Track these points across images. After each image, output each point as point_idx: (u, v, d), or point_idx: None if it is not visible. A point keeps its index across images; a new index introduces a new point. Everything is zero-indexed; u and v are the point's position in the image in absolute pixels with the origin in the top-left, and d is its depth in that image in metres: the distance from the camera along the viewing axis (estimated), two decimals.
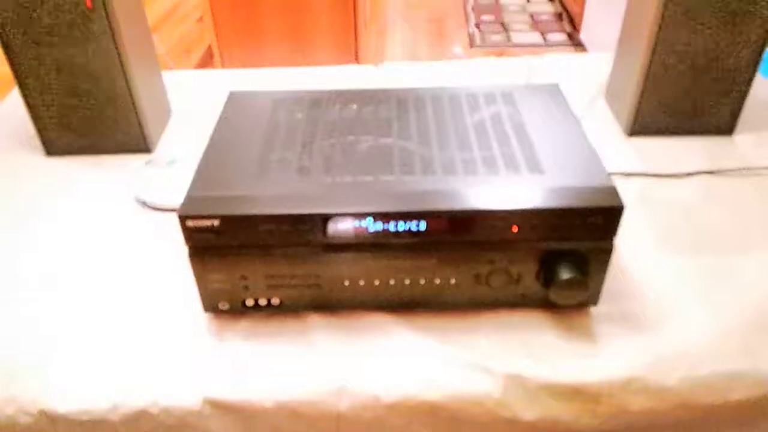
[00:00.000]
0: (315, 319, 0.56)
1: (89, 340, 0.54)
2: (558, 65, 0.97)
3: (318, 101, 0.64)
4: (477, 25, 2.78)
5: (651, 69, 0.75)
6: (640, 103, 0.78)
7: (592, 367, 0.52)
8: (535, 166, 0.53)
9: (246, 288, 0.53)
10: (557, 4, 2.97)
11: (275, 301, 0.55)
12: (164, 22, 2.66)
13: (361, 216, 0.50)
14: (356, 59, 2.25)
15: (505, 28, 2.75)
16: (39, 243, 0.65)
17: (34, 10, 0.66)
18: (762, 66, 0.76)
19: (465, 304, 0.55)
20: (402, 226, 0.50)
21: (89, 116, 0.74)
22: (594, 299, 0.54)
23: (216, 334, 0.55)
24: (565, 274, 0.50)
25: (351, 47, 2.21)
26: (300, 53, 2.21)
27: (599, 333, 0.54)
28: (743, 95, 0.77)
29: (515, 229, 0.50)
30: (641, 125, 0.80)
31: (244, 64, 2.21)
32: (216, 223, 0.49)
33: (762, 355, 0.52)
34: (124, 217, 0.68)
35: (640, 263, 0.61)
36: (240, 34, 2.17)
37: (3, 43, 0.68)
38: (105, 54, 0.70)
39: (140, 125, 0.75)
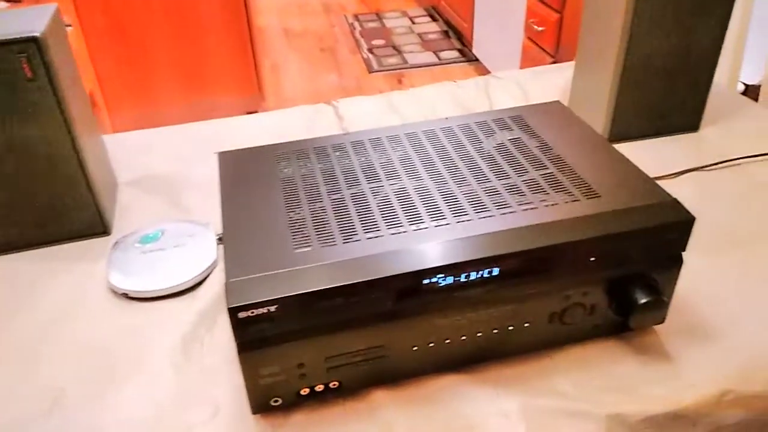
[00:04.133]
0: (380, 396, 0.49)
1: None
2: (514, 81, 0.97)
3: (322, 150, 0.58)
4: (370, 50, 2.79)
5: (624, 76, 0.76)
6: (615, 110, 0.79)
7: (682, 389, 0.49)
8: (587, 190, 0.51)
9: (303, 376, 0.46)
10: (441, 23, 3.06)
11: (334, 384, 0.47)
12: None
13: (431, 272, 0.44)
14: (261, 94, 2.17)
15: (397, 50, 2.79)
16: (10, 361, 0.52)
17: None
18: None
19: (537, 346, 0.51)
20: (474, 275, 0.45)
21: (34, 204, 0.62)
22: (663, 317, 0.52)
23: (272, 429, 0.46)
24: (644, 298, 0.48)
25: (253, 82, 2.13)
26: (195, 90, 2.08)
27: (674, 352, 0.52)
28: (706, 92, 0.80)
29: (593, 259, 0.47)
30: (618, 131, 0.81)
31: (134, 109, 2.05)
32: (272, 308, 0.41)
33: None
34: (105, 315, 0.57)
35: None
36: (125, 76, 2.01)
37: None
38: (51, 128, 0.59)
39: (96, 204, 0.64)
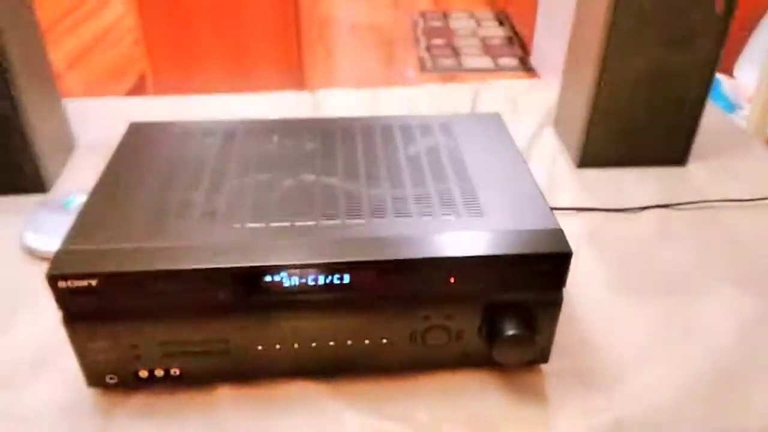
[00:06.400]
0: (224, 392, 0.47)
1: None
2: (505, 92, 0.92)
3: (232, 133, 0.57)
4: (427, 49, 2.76)
5: (599, 97, 0.71)
6: (588, 132, 0.73)
7: None
8: (473, 207, 0.47)
9: (137, 357, 0.45)
10: (508, 27, 2.99)
11: (175, 371, 0.46)
12: (98, 44, 2.53)
13: (274, 269, 0.42)
14: (302, 83, 2.18)
15: (455, 52, 2.74)
16: None
17: None
18: (712, 92, 0.73)
19: (400, 366, 0.48)
20: (322, 279, 0.43)
21: None
22: (544, 356, 0.48)
23: (103, 412, 0.46)
24: (509, 330, 0.44)
25: (295, 71, 2.14)
26: (240, 76, 2.12)
27: (552, 395, 0.48)
28: (695, 122, 0.73)
29: (452, 279, 0.43)
30: (591, 156, 0.75)
31: (179, 89, 2.11)
32: (93, 283, 0.41)
33: (728, 416, 0.46)
34: (8, 269, 0.59)
35: (592, 309, 0.55)
36: (174, 57, 2.08)
37: None
38: None
39: (35, 162, 0.66)
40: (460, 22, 3.07)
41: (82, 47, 2.47)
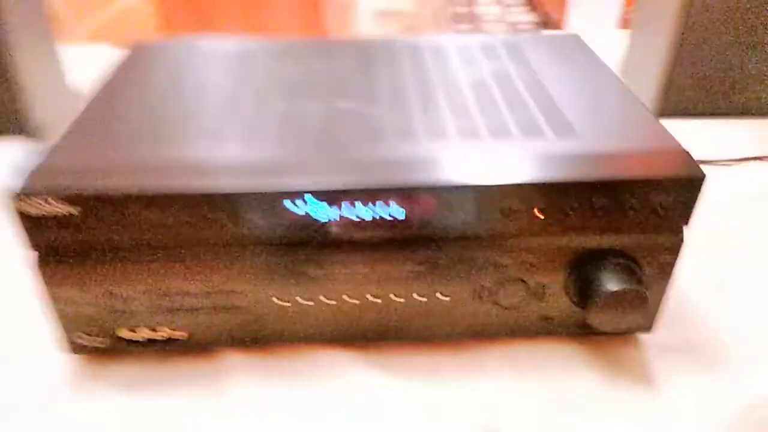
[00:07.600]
0: (232, 358, 0.37)
1: None
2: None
3: (252, 55, 0.47)
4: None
5: (684, 38, 0.60)
6: (670, 78, 0.62)
7: (657, 427, 0.34)
8: (562, 127, 0.36)
9: (127, 314, 0.35)
10: (538, 13, 2.87)
11: (174, 333, 0.36)
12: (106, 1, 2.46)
13: (299, 195, 0.32)
14: None
15: None
16: None
17: None
18: None
19: (460, 334, 0.37)
20: (366, 212, 0.33)
21: None
22: (648, 323, 0.37)
23: (84, 382, 0.36)
24: (613, 285, 0.33)
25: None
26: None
27: (658, 373, 0.37)
28: None
29: (539, 214, 0.33)
30: (673, 105, 0.64)
31: None
32: (72, 209, 0.31)
33: None
34: None
35: (696, 274, 0.44)
36: (188, 16, 1.98)
37: None
38: None
39: (22, 104, 0.58)
40: (487, 8, 2.96)
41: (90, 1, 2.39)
